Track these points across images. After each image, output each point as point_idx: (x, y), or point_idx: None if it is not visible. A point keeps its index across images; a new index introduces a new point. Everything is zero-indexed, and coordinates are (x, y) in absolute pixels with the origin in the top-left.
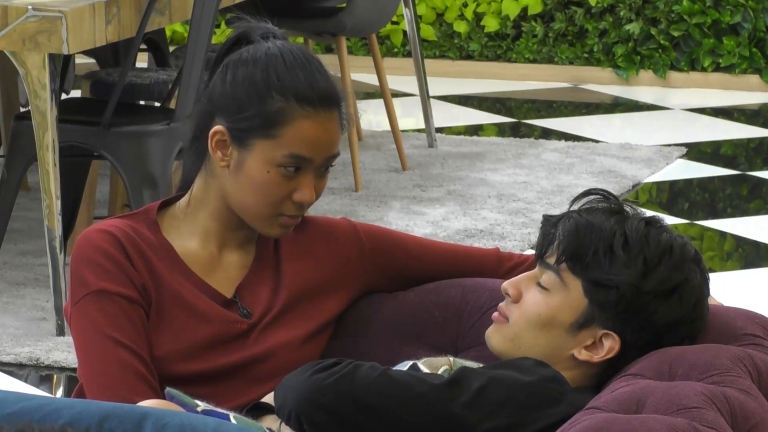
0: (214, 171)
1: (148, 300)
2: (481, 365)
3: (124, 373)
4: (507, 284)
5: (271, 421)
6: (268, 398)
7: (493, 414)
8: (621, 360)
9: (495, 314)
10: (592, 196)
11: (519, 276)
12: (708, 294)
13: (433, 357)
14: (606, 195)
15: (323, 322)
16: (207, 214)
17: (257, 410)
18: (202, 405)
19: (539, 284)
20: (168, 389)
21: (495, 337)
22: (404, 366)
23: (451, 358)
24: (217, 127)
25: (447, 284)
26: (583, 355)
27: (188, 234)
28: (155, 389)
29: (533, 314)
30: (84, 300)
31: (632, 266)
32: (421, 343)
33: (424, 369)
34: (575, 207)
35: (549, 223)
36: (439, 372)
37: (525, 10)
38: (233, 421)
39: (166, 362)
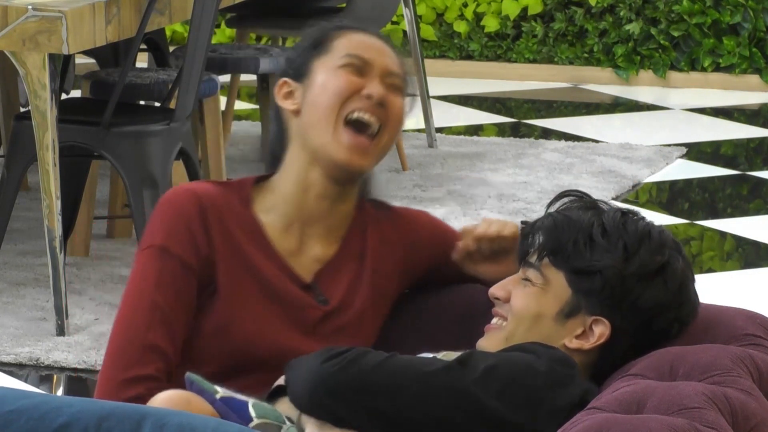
0: (292, 133)
1: (209, 272)
2: None
3: (144, 335)
4: (494, 288)
5: (289, 405)
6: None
7: (502, 392)
8: (613, 348)
9: (489, 325)
10: (566, 198)
11: (504, 280)
12: (693, 280)
13: (452, 351)
14: (580, 195)
15: (392, 302)
16: (295, 180)
17: (277, 394)
18: (221, 392)
19: (523, 281)
20: (188, 374)
21: (488, 342)
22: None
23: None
24: (280, 80)
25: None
26: (574, 343)
27: (276, 209)
28: (167, 361)
29: (522, 309)
30: (146, 251)
31: (613, 251)
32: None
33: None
34: (552, 209)
35: (527, 227)
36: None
37: (525, 10)
38: (251, 409)
39: (243, 341)
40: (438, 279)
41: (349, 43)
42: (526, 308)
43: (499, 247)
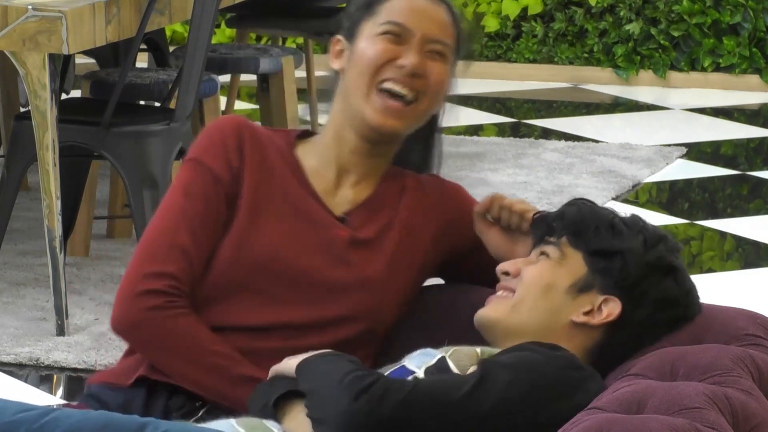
0: (337, 90)
1: (238, 186)
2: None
3: (171, 236)
4: (504, 264)
5: (299, 411)
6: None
7: (518, 410)
8: (617, 333)
9: (493, 295)
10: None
11: (514, 260)
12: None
13: (461, 347)
14: (591, 202)
15: (413, 281)
16: (333, 134)
17: (286, 398)
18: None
19: (539, 256)
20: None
21: (492, 309)
22: (432, 358)
23: (478, 349)
24: (335, 38)
25: None
26: (581, 318)
27: (315, 156)
28: (190, 264)
29: (534, 277)
30: (183, 164)
31: (633, 240)
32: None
33: (452, 365)
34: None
35: (546, 215)
36: (469, 372)
37: (525, 10)
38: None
39: (254, 245)
40: (465, 267)
41: (393, 8)
42: (539, 276)
43: (515, 225)
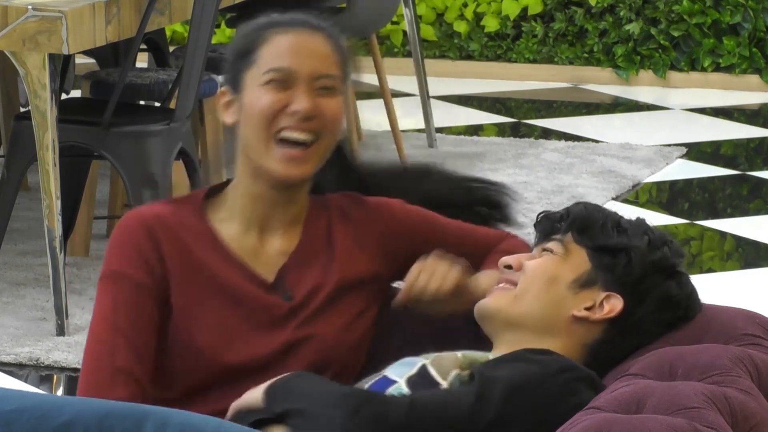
0: (237, 141)
1: (165, 290)
2: (489, 356)
3: (111, 360)
4: (506, 258)
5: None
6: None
7: (516, 421)
8: (618, 331)
9: (496, 287)
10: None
11: (516, 255)
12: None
13: (442, 353)
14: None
15: (366, 307)
16: (245, 197)
17: (263, 422)
18: None
19: (542, 251)
20: None
21: (493, 299)
22: (413, 367)
23: (459, 354)
24: (221, 89)
25: None
26: (582, 313)
27: (232, 217)
28: (138, 384)
29: (538, 270)
30: (102, 279)
31: (640, 238)
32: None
33: (433, 372)
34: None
35: (550, 213)
36: (450, 377)
37: (525, 10)
38: None
39: (209, 351)
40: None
41: (272, 53)
42: (542, 269)
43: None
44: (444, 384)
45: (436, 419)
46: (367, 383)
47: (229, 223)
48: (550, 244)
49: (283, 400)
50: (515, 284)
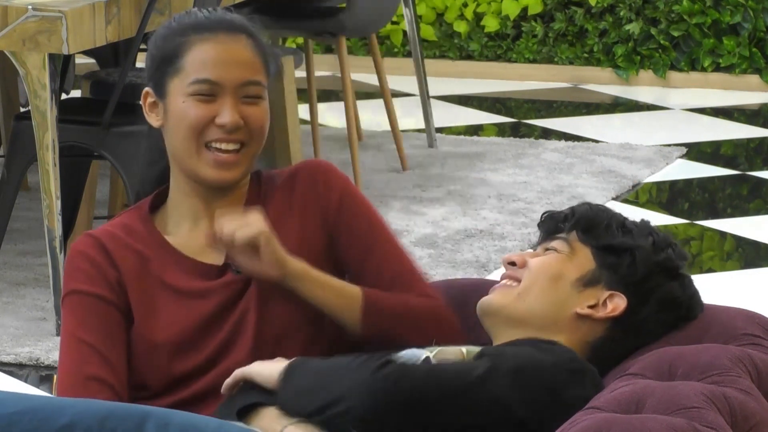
0: (167, 143)
1: (124, 297)
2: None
3: (82, 370)
4: (510, 255)
5: (271, 419)
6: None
7: (528, 397)
8: (620, 329)
9: (499, 284)
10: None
11: (520, 252)
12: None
13: (446, 347)
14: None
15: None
16: (184, 195)
17: (250, 408)
18: None
19: (546, 250)
20: None
21: (497, 296)
22: (417, 358)
23: (464, 348)
24: (145, 90)
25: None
26: (585, 311)
27: (179, 218)
28: (113, 390)
29: (542, 267)
30: (63, 301)
31: (644, 239)
32: None
33: (435, 363)
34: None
35: (555, 213)
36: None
37: (525, 10)
38: None
39: (169, 348)
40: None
41: (196, 63)
42: (547, 267)
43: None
44: None
45: (451, 383)
46: None
47: (176, 225)
48: (555, 243)
49: (300, 377)
50: (518, 281)
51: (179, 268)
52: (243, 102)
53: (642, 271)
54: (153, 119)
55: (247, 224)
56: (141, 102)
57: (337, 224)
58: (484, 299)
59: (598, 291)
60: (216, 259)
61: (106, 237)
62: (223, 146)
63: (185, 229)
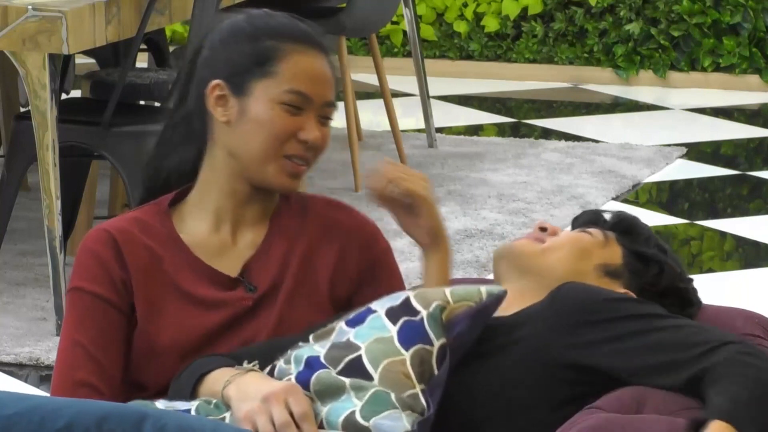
0: (217, 139)
1: (128, 299)
2: (494, 290)
3: (71, 375)
4: (545, 222)
5: (213, 382)
6: None
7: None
8: None
9: (530, 237)
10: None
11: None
12: None
13: (428, 289)
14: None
15: (330, 312)
16: (218, 193)
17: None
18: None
19: (581, 232)
20: None
21: (521, 243)
22: (397, 300)
23: (447, 291)
24: (215, 82)
25: None
26: None
27: (200, 219)
28: (102, 397)
29: (573, 239)
30: (67, 295)
31: (676, 264)
32: None
33: (415, 302)
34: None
35: (597, 210)
36: (432, 307)
37: (525, 10)
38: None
39: (171, 352)
40: (358, 302)
41: (294, 72)
42: (578, 240)
43: (409, 197)
44: (423, 312)
45: None
46: (351, 315)
47: (195, 225)
48: (591, 229)
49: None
50: (544, 242)
51: (192, 272)
52: (321, 122)
53: (663, 286)
54: (219, 113)
55: (414, 178)
56: (207, 92)
57: (371, 279)
58: (507, 244)
59: (616, 285)
60: (229, 268)
61: (119, 233)
62: (298, 161)
63: (203, 230)
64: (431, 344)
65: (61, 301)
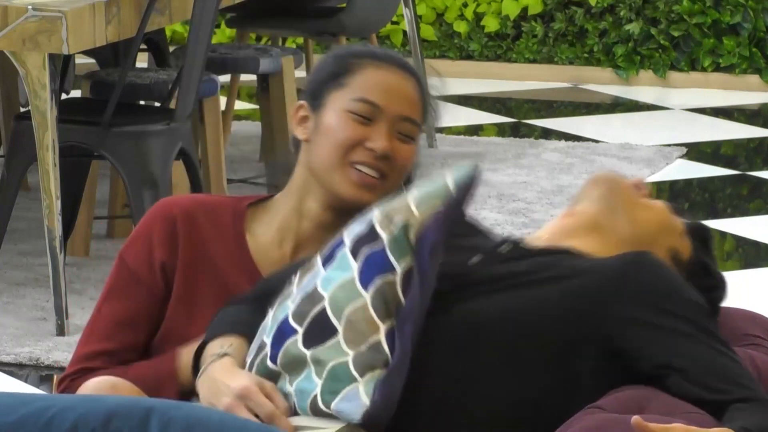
0: (300, 158)
1: (166, 281)
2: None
3: (86, 339)
4: (642, 181)
5: (211, 350)
6: None
7: None
8: None
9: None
10: None
11: None
12: None
13: (391, 203)
14: None
15: None
16: (290, 209)
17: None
18: None
19: None
20: None
21: (629, 185)
22: (363, 223)
23: (412, 203)
24: (298, 103)
25: None
26: None
27: (269, 228)
28: (117, 358)
29: (666, 210)
30: (118, 257)
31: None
32: None
33: (379, 227)
34: None
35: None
36: (396, 229)
37: (525, 10)
38: None
39: (187, 337)
40: None
41: (364, 83)
42: (669, 214)
43: None
44: (385, 237)
45: None
46: (329, 245)
47: (262, 233)
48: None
49: None
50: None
51: (242, 272)
52: (396, 136)
53: (718, 302)
54: (300, 132)
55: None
56: (292, 115)
57: None
58: (616, 175)
59: None
60: None
61: (183, 216)
62: (365, 170)
63: (270, 241)
64: (393, 271)
65: (61, 301)
